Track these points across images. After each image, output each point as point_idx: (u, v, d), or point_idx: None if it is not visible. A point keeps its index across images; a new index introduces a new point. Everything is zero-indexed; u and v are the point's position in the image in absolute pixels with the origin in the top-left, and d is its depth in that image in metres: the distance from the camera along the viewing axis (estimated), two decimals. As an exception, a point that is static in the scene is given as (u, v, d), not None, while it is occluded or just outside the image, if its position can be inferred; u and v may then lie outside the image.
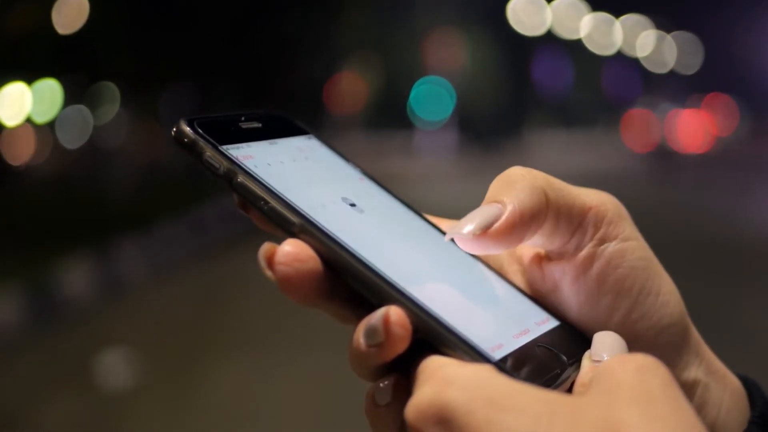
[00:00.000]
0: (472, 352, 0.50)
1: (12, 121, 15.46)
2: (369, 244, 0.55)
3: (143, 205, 11.03)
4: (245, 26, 15.90)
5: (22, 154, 16.79)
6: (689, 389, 0.58)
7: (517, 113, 30.50)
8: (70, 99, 17.05)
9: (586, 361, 0.54)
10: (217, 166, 0.56)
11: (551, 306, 0.59)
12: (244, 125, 0.60)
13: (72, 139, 18.24)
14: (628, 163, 22.40)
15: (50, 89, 16.37)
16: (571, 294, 0.58)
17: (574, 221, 0.57)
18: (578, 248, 0.57)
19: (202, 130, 0.57)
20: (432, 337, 0.51)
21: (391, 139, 25.81)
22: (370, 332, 0.51)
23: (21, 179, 15.37)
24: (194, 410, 4.46)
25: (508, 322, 0.55)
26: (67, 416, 4.42)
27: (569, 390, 0.53)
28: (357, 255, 0.53)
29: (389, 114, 27.00)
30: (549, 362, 0.54)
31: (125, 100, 16.66)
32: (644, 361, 0.47)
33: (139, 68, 14.91)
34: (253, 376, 4.87)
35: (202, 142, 0.56)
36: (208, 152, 0.56)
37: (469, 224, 0.55)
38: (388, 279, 0.52)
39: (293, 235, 0.54)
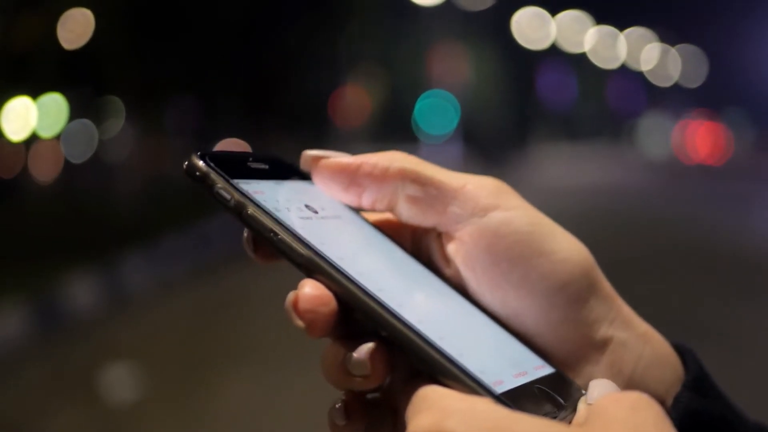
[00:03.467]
0: (474, 385, 0.52)
1: (17, 135, 15.50)
2: (377, 280, 0.57)
3: (148, 219, 11.04)
4: (250, 40, 15.95)
5: (28, 168, 16.82)
6: (601, 345, 0.59)
7: (521, 126, 30.55)
8: (75, 113, 17.09)
9: (582, 405, 0.54)
10: (228, 197, 0.58)
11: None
12: (252, 165, 0.63)
13: (77, 154, 18.27)
14: (634, 175, 22.39)
15: (55, 103, 16.41)
16: (467, 269, 0.60)
17: (446, 195, 0.60)
18: (462, 222, 0.60)
19: (213, 163, 0.59)
20: (435, 368, 0.53)
21: (395, 152, 25.79)
22: (356, 365, 0.54)
23: (26, 193, 15.39)
24: (199, 423, 4.45)
25: (507, 362, 0.57)
26: (72, 429, 4.42)
27: None
28: (367, 290, 0.55)
29: (393, 127, 27.02)
30: (547, 402, 0.55)
31: (130, 115, 16.68)
32: (638, 399, 0.48)
33: (144, 83, 14.95)
34: (257, 390, 4.86)
35: (213, 175, 0.58)
36: (220, 184, 0.58)
37: (315, 151, 0.64)
38: (397, 314, 0.54)
39: (300, 267, 0.56)
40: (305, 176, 0.66)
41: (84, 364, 5.45)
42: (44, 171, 17.18)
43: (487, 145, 26.44)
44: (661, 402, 0.59)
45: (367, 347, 0.54)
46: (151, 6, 14.73)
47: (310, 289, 0.55)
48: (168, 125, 17.04)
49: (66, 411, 4.63)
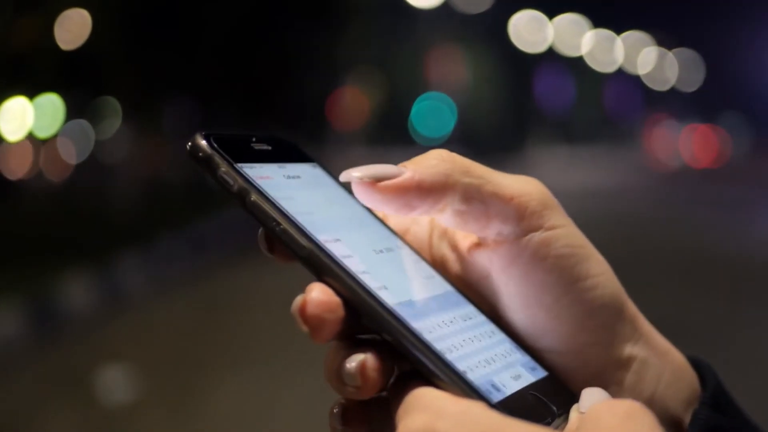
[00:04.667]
0: (468, 390, 0.51)
1: (14, 135, 15.48)
2: (378, 278, 0.55)
3: (145, 220, 11.03)
4: (248, 41, 15.94)
5: (23, 168, 16.80)
6: (624, 365, 0.59)
7: (518, 129, 30.56)
8: (72, 114, 17.07)
9: (574, 413, 0.55)
10: (232, 183, 0.56)
11: (492, 307, 0.60)
12: (256, 146, 0.61)
13: (74, 154, 18.25)
14: (630, 178, 22.41)
15: (52, 104, 16.39)
16: (500, 283, 0.59)
17: (491, 209, 0.58)
18: (502, 238, 0.58)
19: (217, 145, 0.57)
20: (430, 371, 0.52)
21: (392, 155, 25.82)
22: (348, 376, 0.53)
23: (22, 193, 15.37)
24: (195, 425, 4.45)
25: (501, 365, 0.56)
26: (68, 430, 4.41)
27: None
28: (368, 289, 0.54)
29: (391, 130, 27.03)
30: (540, 410, 0.54)
31: (127, 115, 16.67)
32: (631, 407, 0.47)
33: (141, 83, 14.94)
34: (254, 391, 4.86)
35: (217, 158, 0.57)
36: (223, 168, 0.56)
37: (362, 171, 0.58)
38: (397, 314, 0.53)
39: (302, 259, 0.55)
40: (306, 158, 0.64)
41: (81, 364, 5.44)
42: (52, 173, 17.21)
43: (484, 148, 26.46)
44: (680, 419, 0.60)
45: (358, 359, 0.53)
46: (148, 6, 14.72)
47: (317, 294, 0.53)
48: (165, 126, 17.02)
49: (62, 412, 4.63)
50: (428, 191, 0.57)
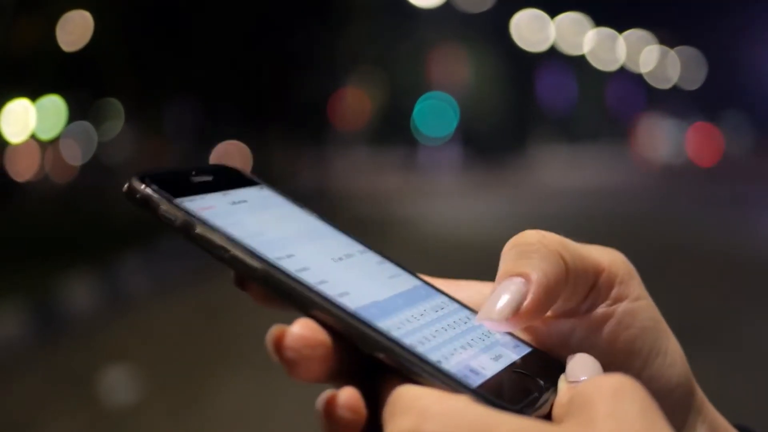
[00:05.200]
0: (448, 381, 0.50)
1: (16, 137, 15.50)
2: (336, 285, 0.54)
3: (147, 221, 11.02)
4: (250, 42, 15.95)
5: (26, 170, 16.83)
6: None
7: (520, 128, 30.56)
8: (74, 115, 17.09)
9: (563, 384, 0.53)
10: (173, 218, 0.55)
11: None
12: (196, 179, 0.59)
13: (78, 156, 18.28)
14: (632, 177, 22.41)
15: (54, 106, 16.41)
16: (579, 351, 0.57)
17: (588, 283, 0.56)
18: (591, 309, 0.57)
19: (155, 184, 0.56)
20: (403, 366, 0.51)
21: (394, 154, 25.84)
22: (324, 420, 0.50)
23: (25, 195, 15.39)
24: (197, 426, 4.45)
25: (479, 349, 0.55)
26: (70, 431, 4.42)
27: (549, 412, 0.53)
28: (323, 294, 0.52)
29: (393, 130, 27.04)
30: (526, 387, 0.53)
31: (129, 117, 16.69)
32: (621, 383, 0.46)
33: (143, 84, 14.96)
34: (255, 392, 4.86)
35: (156, 197, 0.55)
36: (163, 206, 0.55)
37: (498, 307, 0.54)
38: (358, 316, 0.52)
39: (258, 281, 0.53)
40: (251, 182, 0.63)
41: (83, 365, 5.45)
42: (56, 174, 17.23)
43: (486, 147, 26.46)
44: None
45: (323, 397, 0.50)
46: (150, 8, 14.73)
47: (300, 329, 0.50)
48: (167, 127, 17.03)
49: (64, 412, 4.63)
50: (557, 288, 0.55)
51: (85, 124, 17.86)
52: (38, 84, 14.45)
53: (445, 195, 17.45)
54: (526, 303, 0.54)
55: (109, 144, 17.94)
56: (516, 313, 0.54)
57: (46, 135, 16.82)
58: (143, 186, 0.56)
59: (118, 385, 5.01)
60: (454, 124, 27.74)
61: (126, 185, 0.56)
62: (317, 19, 17.21)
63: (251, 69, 16.20)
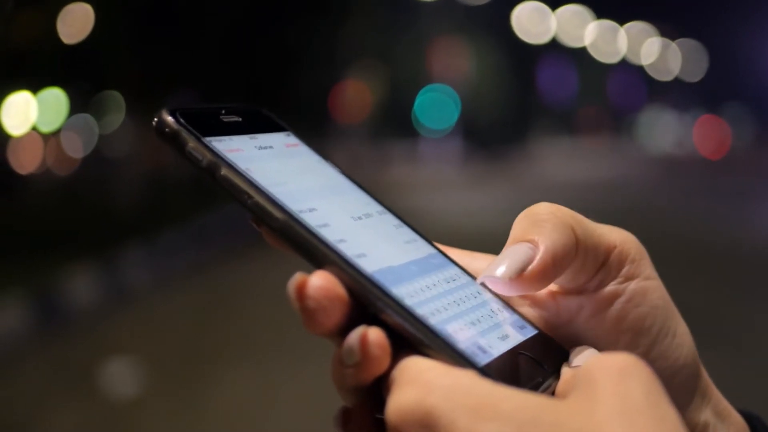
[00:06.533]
0: (456, 356, 0.50)
1: (17, 130, 15.49)
2: (354, 245, 0.54)
3: (148, 214, 11.04)
4: (250, 35, 15.93)
5: (28, 162, 16.83)
6: (697, 430, 0.59)
7: (521, 121, 30.52)
8: (75, 108, 17.08)
9: (566, 369, 0.54)
10: (200, 158, 0.55)
11: (558, 335, 0.59)
12: (225, 118, 0.59)
13: (79, 148, 18.27)
14: (634, 170, 22.39)
15: (55, 98, 16.39)
16: (587, 329, 0.58)
17: (599, 259, 0.57)
18: (600, 285, 0.57)
19: (184, 120, 0.55)
20: (414, 337, 0.50)
21: (395, 147, 25.82)
22: (347, 351, 0.50)
23: (27, 188, 15.40)
24: (199, 419, 4.45)
25: (487, 326, 0.55)
26: (72, 425, 4.42)
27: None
28: (344, 256, 0.52)
29: (394, 122, 27.00)
30: (531, 370, 0.53)
31: (130, 109, 16.67)
32: (626, 362, 0.46)
33: (144, 77, 14.94)
34: (257, 385, 4.87)
35: (184, 133, 0.55)
36: (191, 144, 0.55)
37: (502, 267, 0.55)
38: (374, 280, 0.52)
39: (277, 231, 0.53)
40: (279, 127, 0.63)
41: (84, 359, 5.45)
42: (57, 167, 17.22)
43: (487, 140, 26.43)
44: None
45: (359, 330, 0.49)
46: (151, 1, 14.72)
47: (320, 280, 0.51)
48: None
49: (66, 405, 4.64)
50: (564, 258, 0.55)
51: (87, 117, 17.84)
52: (39, 76, 14.43)
53: (447, 187, 17.44)
54: (531, 267, 0.54)
55: (111, 136, 17.92)
56: (520, 275, 0.54)
57: (47, 127, 16.81)
58: (173, 120, 0.55)
59: (120, 377, 5.01)
60: (455, 116, 27.71)
61: (155, 118, 0.55)
62: (318, 11, 17.19)
63: (252, 61, 16.19)
